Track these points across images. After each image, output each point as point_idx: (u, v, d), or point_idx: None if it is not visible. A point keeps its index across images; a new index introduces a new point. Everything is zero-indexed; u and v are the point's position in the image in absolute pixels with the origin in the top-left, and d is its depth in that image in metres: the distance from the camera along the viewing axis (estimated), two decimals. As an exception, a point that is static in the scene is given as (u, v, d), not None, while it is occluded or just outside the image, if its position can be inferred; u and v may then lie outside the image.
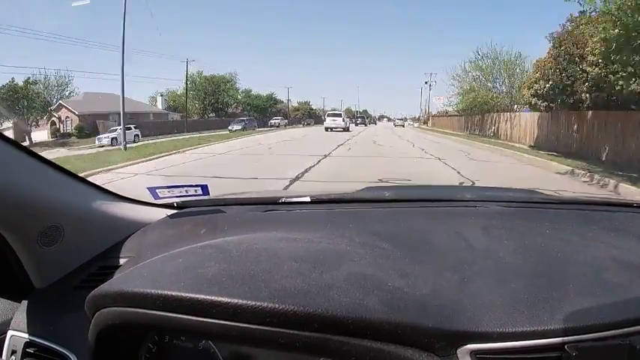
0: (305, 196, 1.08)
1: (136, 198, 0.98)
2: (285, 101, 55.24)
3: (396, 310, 0.54)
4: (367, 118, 57.62)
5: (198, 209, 1.00)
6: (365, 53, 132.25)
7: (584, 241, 0.83)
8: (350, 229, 0.81)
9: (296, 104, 59.43)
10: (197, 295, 0.55)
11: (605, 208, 1.15)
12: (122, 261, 0.81)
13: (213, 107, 37.13)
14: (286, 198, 1.08)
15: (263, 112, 42.55)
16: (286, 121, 41.84)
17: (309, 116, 54.46)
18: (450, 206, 1.07)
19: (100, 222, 0.87)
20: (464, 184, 5.77)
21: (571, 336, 0.52)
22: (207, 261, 0.63)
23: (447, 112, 33.30)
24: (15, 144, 0.72)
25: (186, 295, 0.55)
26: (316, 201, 1.07)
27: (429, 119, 41.85)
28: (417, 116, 65.55)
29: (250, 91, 43.91)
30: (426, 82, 43.75)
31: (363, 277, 0.60)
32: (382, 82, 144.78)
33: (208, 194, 1.01)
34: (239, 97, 41.04)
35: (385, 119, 66.20)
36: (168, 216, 0.98)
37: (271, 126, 35.73)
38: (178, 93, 37.22)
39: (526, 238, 0.81)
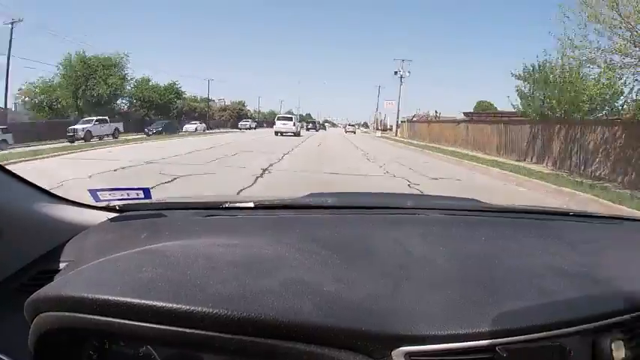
0: (248, 201, 1.06)
1: (77, 200, 0.96)
2: (215, 100, 50.36)
3: (330, 314, 0.55)
4: (311, 122, 55.88)
5: (139, 213, 0.99)
6: (308, 55, 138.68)
7: (520, 248, 0.87)
8: (291, 235, 0.82)
9: (229, 103, 54.08)
10: (133, 300, 0.55)
11: (541, 217, 1.20)
12: (62, 265, 0.80)
13: (88, 101, 25.93)
14: (229, 203, 1.07)
15: (163, 110, 31.68)
16: (204, 125, 33.83)
17: (237, 117, 47.45)
18: (391, 213, 1.09)
19: (41, 224, 0.85)
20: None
21: (501, 338, 0.56)
22: (145, 266, 0.64)
23: (435, 117, 28.25)
24: None
25: (123, 299, 0.55)
26: (259, 206, 1.06)
27: (398, 126, 34.27)
28: (365, 122, 60.96)
29: (148, 80, 31.88)
30: (395, 73, 37.25)
31: (299, 282, 0.61)
32: (327, 85, 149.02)
33: (150, 197, 1.02)
34: (128, 87, 29.57)
35: (328, 124, 60.57)
36: (110, 219, 0.96)
37: (186, 132, 27.72)
38: (54, 82, 26.41)
39: (462, 245, 0.85)
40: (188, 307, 0.53)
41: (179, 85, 34.41)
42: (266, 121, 56.94)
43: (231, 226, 0.93)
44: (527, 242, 0.90)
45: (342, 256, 0.73)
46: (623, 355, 0.59)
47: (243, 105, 59.26)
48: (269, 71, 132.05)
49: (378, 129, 54.73)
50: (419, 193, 5.42)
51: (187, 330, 0.53)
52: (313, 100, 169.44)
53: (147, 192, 1.01)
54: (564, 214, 1.27)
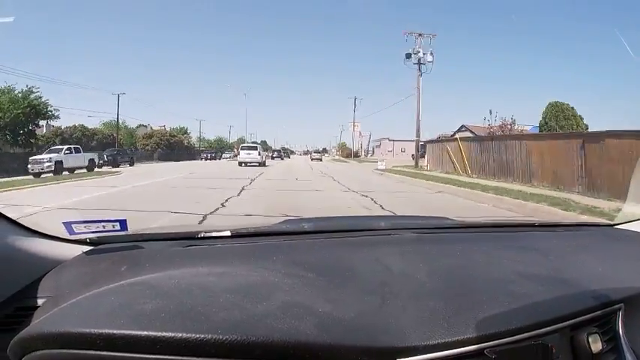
0: (225, 230, 1.08)
1: (49, 233, 0.94)
2: (149, 125, 42.07)
3: (329, 333, 0.58)
4: (276, 151, 50.27)
5: (115, 245, 0.97)
6: (260, 80, 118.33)
7: (491, 259, 0.92)
8: (274, 261, 0.84)
9: (157, 127, 44.53)
10: (140, 332, 0.56)
11: (509, 230, 1.29)
12: (40, 301, 0.78)
13: None
14: (205, 232, 1.07)
15: (14, 132, 20.50)
16: (86, 156, 18.00)
17: (167, 147, 39.40)
18: (367, 235, 1.13)
19: (15, 259, 0.82)
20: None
21: (488, 342, 0.61)
22: (141, 297, 0.64)
23: (506, 127, 17.72)
24: None
25: (129, 332, 0.56)
26: (237, 235, 1.07)
27: (421, 153, 20.37)
28: (324, 148, 57.77)
29: (13, 90, 20.08)
30: (408, 56, 21.55)
31: (294, 305, 0.64)
32: (282, 111, 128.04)
33: (127, 229, 1.00)
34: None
35: (282, 152, 52.40)
36: (85, 253, 0.94)
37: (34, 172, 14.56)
38: None
39: (439, 261, 0.89)
40: (198, 336, 0.55)
41: (40, 96, 20.94)
42: (210, 150, 50.05)
43: (212, 255, 0.93)
44: (498, 253, 0.96)
45: (327, 278, 0.76)
46: (600, 347, 0.68)
47: (185, 132, 52.88)
48: (214, 93, 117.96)
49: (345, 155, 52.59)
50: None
51: (196, 358, 0.55)
52: (266, 126, 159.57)
53: (123, 224, 0.99)
54: (530, 225, 1.36)
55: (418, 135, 21.15)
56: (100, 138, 32.31)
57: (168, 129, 51.39)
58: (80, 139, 29.58)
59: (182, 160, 36.01)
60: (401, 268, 0.84)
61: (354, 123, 47.38)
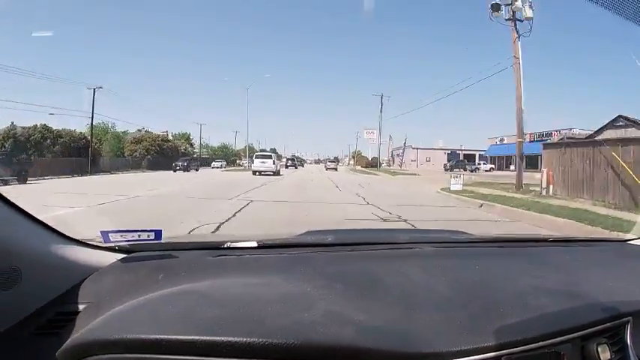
0: (252, 240, 1.14)
1: (84, 240, 0.97)
2: (145, 129, 37.41)
3: (367, 338, 0.65)
4: (290, 160, 46.68)
5: (149, 254, 1.01)
6: (269, 83, 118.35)
7: (507, 273, 0.99)
8: (304, 272, 0.90)
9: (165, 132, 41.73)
10: (205, 337, 0.62)
11: (525, 244, 1.38)
12: (81, 307, 0.81)
13: None
14: (232, 242, 1.12)
15: None
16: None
17: (159, 153, 34.97)
18: (389, 249, 1.19)
19: (56, 265, 0.86)
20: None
21: (505, 349, 0.67)
22: (198, 306, 0.71)
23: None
24: None
25: (195, 337, 0.62)
26: (263, 246, 1.13)
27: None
28: (336, 157, 54.44)
29: None
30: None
31: (334, 313, 0.71)
32: (293, 118, 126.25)
33: (161, 239, 1.03)
34: None
35: (296, 161, 48.13)
36: (120, 260, 0.98)
37: None
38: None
39: (458, 274, 0.96)
40: (260, 340, 0.61)
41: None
42: (214, 157, 46.74)
43: (244, 266, 0.98)
44: (514, 267, 1.04)
45: (355, 289, 0.82)
46: (608, 356, 0.73)
47: (188, 138, 49.61)
48: (220, 99, 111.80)
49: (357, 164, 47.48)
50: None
51: None
52: (275, 133, 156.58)
53: (159, 234, 1.02)
54: (545, 240, 1.44)
55: (521, 134, 12.68)
56: (66, 141, 26.46)
57: (170, 135, 46.04)
58: (39, 142, 25.29)
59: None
60: (423, 280, 0.89)
61: (379, 126, 40.36)
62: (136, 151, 36.54)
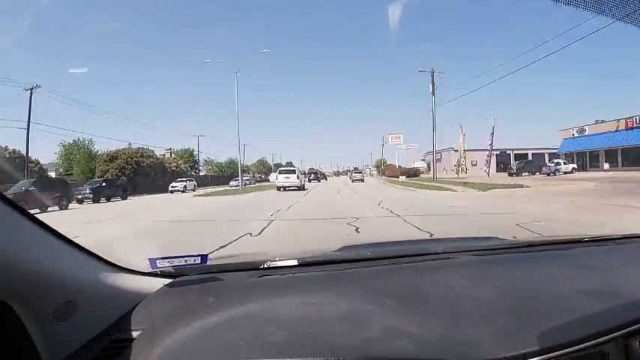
0: (292, 259, 1.15)
1: (129, 267, 0.98)
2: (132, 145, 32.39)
3: (425, 351, 0.68)
4: (312, 173, 45.54)
5: (193, 277, 1.02)
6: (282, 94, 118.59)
7: (547, 277, 1.00)
8: (352, 289, 0.92)
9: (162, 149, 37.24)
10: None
11: (559, 247, 1.37)
12: (135, 334, 0.82)
13: None
14: (270, 262, 1.12)
15: None
16: None
17: (134, 172, 29.32)
18: (428, 260, 1.17)
19: (107, 294, 0.87)
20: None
21: (553, 352, 0.69)
22: (265, 329, 0.73)
23: None
24: (25, 213, 0.71)
25: None
26: (304, 264, 1.13)
27: None
28: (355, 167, 49.88)
29: None
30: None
31: (390, 328, 0.73)
32: (309, 130, 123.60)
33: (206, 262, 1.04)
34: None
35: (319, 174, 46.48)
36: (167, 285, 0.99)
37: None
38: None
39: (500, 281, 0.98)
40: (335, 359, 0.64)
41: None
42: (218, 176, 41.33)
43: (288, 285, 0.99)
44: (553, 271, 1.05)
45: (403, 302, 0.84)
46: None
47: (191, 154, 43.76)
48: (226, 111, 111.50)
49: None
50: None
51: None
52: (290, 146, 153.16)
53: (204, 258, 1.03)
54: (579, 241, 1.40)
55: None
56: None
57: (171, 153, 39.37)
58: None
59: (159, 193, 27.64)
60: (467, 289, 0.91)
61: (433, 115, 29.29)
62: (107, 172, 29.13)
